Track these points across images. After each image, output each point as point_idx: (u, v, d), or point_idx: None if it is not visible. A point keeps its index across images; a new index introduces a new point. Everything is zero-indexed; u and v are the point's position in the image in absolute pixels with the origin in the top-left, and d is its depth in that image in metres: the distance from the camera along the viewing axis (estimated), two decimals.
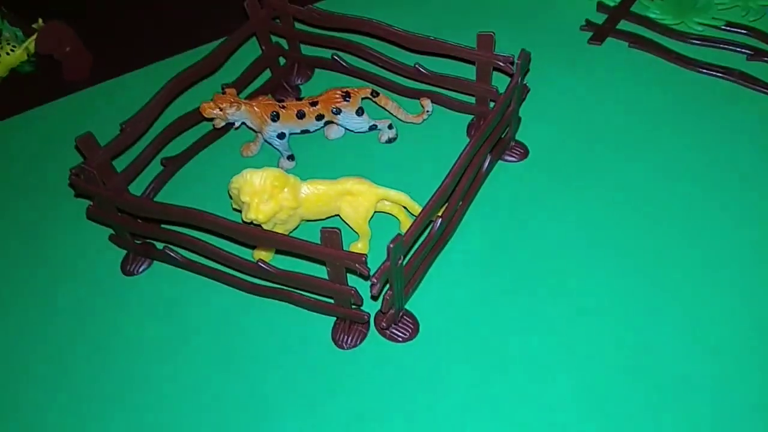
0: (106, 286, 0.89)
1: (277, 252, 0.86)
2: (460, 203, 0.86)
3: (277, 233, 0.73)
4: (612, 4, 1.14)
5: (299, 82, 1.10)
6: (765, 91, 1.00)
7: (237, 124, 0.95)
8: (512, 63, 0.87)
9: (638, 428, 0.71)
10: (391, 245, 0.67)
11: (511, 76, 0.86)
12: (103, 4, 1.37)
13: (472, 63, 0.91)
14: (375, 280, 0.67)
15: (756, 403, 0.72)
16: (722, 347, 0.76)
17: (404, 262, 0.72)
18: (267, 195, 0.80)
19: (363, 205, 0.84)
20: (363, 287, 0.77)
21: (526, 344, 0.78)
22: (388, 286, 0.74)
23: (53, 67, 1.19)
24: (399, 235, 0.69)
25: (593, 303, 0.81)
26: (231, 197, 0.84)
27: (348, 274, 0.74)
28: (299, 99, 0.96)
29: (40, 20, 1.18)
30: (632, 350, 0.77)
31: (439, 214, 0.79)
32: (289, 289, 0.80)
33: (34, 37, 1.17)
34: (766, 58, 1.04)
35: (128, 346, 0.83)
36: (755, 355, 0.75)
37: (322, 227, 0.69)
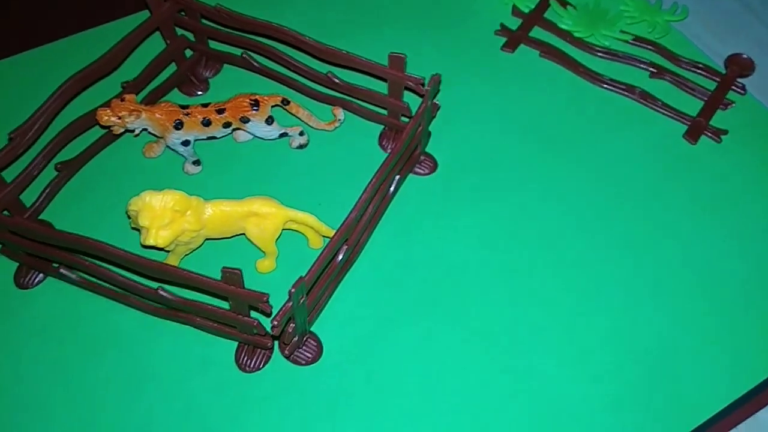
0: None
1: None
2: (367, 227, 0.86)
3: (177, 267, 0.71)
4: (526, 10, 1.14)
5: (208, 75, 1.06)
6: (661, 110, 1.04)
7: (137, 131, 0.90)
8: (422, 84, 0.86)
9: None
10: (293, 290, 0.67)
11: (421, 96, 0.86)
12: None
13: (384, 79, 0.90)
14: (276, 323, 0.68)
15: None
16: (604, 371, 0.82)
17: (306, 298, 0.72)
18: (167, 219, 0.77)
19: (270, 226, 0.83)
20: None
21: (423, 366, 0.81)
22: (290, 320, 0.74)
23: None
24: (301, 277, 0.69)
25: (485, 327, 0.84)
26: (129, 217, 0.81)
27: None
28: (205, 105, 0.92)
29: None
30: (517, 375, 0.81)
31: (346, 241, 0.79)
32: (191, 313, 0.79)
33: None
34: (667, 77, 1.07)
35: (20, 367, 0.80)
36: (636, 379, 0.81)
37: (223, 267, 0.69)
